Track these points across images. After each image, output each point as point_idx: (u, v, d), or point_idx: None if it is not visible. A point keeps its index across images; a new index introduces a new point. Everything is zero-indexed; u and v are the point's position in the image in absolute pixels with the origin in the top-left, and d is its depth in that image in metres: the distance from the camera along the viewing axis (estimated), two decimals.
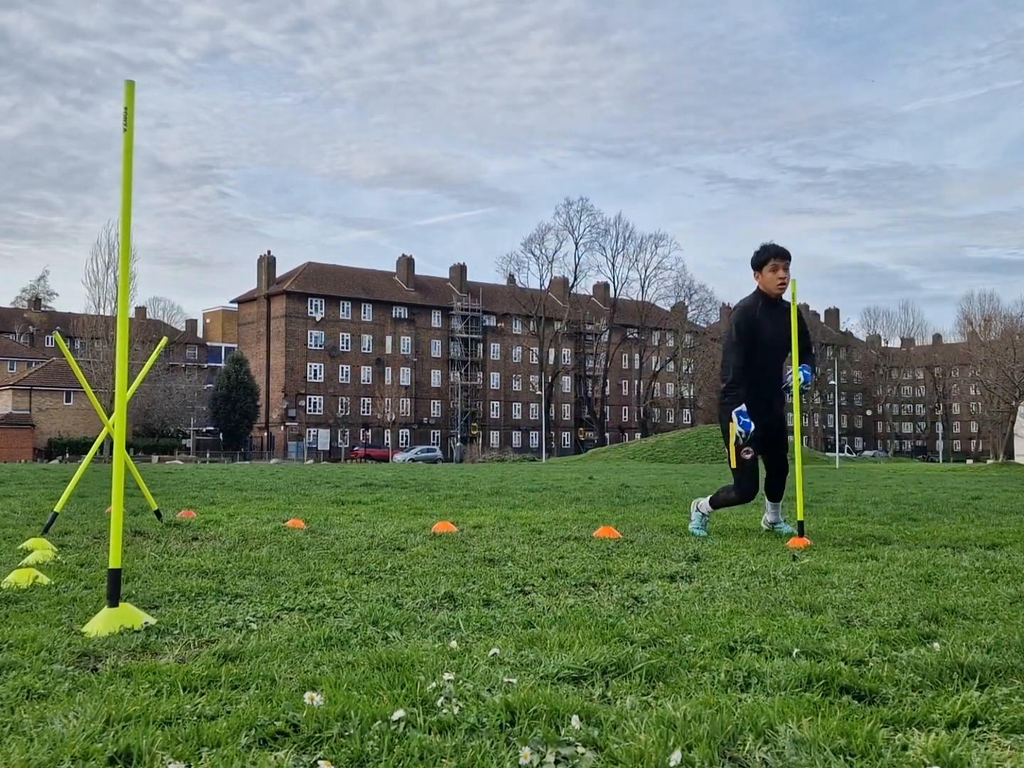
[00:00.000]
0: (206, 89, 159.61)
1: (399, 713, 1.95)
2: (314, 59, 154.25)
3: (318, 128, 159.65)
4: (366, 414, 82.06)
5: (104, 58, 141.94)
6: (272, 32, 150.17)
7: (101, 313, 63.54)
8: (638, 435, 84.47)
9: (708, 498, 6.06)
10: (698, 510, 6.04)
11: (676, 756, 1.72)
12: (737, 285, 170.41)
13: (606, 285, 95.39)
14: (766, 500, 6.17)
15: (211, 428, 73.99)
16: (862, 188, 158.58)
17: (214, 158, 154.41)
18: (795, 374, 5.79)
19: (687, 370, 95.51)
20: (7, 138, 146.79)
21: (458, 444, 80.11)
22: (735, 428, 5.65)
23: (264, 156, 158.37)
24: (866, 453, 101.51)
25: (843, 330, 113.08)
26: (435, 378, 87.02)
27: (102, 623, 2.87)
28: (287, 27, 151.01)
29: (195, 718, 1.97)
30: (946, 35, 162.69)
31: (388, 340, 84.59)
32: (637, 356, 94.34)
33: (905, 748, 1.80)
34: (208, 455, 67.51)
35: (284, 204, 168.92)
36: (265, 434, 78.14)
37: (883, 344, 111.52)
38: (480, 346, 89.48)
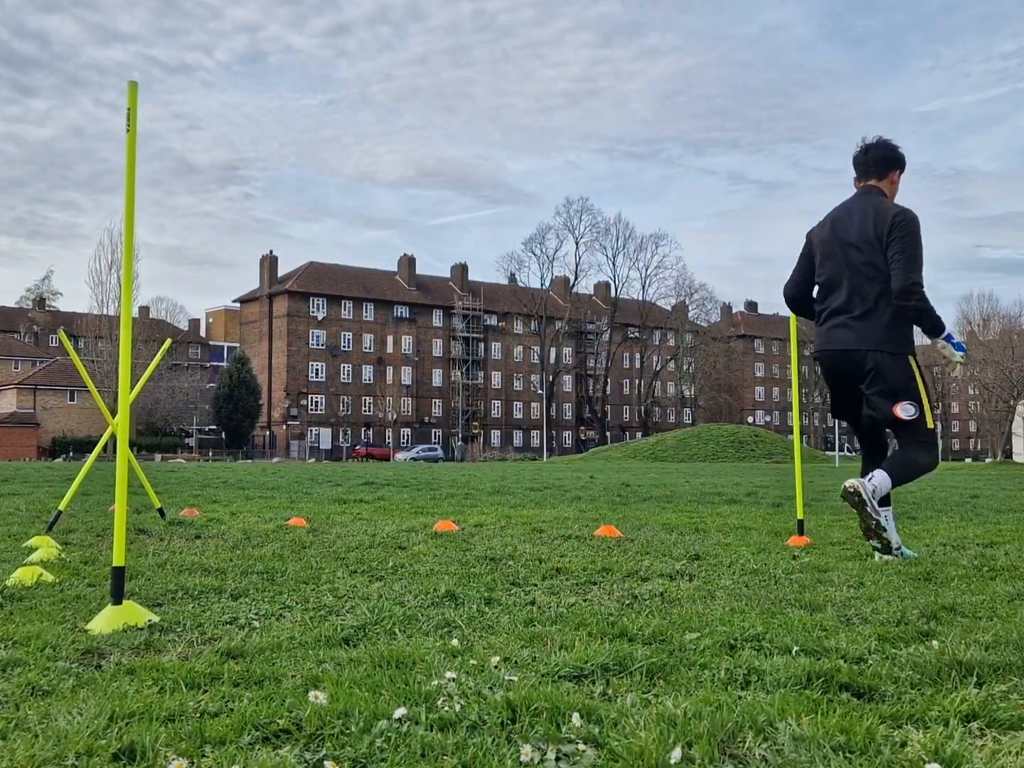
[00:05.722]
0: (239, 91, 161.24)
1: (401, 711, 1.96)
2: (349, 62, 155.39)
3: (348, 130, 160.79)
4: (367, 413, 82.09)
5: (142, 61, 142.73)
6: (309, 35, 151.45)
7: (104, 313, 63.66)
8: (639, 434, 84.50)
9: (884, 477, 4.33)
10: (876, 499, 4.27)
11: (676, 753, 1.73)
12: (750, 284, 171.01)
13: (607, 284, 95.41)
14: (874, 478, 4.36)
15: (213, 427, 74.02)
16: None
17: (242, 159, 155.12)
18: (794, 370, 5.78)
19: (688, 369, 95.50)
20: (41, 140, 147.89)
21: (459, 443, 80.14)
22: (951, 353, 4.50)
23: (294, 158, 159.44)
24: None
25: None
26: (436, 377, 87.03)
27: (106, 620, 2.88)
28: (324, 31, 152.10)
29: (198, 715, 1.98)
30: (973, 38, 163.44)
31: (389, 339, 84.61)
32: (638, 355, 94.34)
33: (904, 745, 1.82)
34: (211, 454, 67.56)
35: (309, 205, 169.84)
36: (267, 433, 78.18)
37: None
38: (481, 345, 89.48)
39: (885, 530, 4.30)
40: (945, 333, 4.50)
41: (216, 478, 16.28)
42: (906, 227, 4.44)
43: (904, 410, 4.43)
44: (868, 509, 4.24)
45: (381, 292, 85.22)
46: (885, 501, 4.45)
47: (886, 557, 4.36)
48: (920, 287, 4.37)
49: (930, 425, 4.48)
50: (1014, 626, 2.82)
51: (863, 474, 4.64)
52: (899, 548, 4.42)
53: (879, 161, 4.73)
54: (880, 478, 4.32)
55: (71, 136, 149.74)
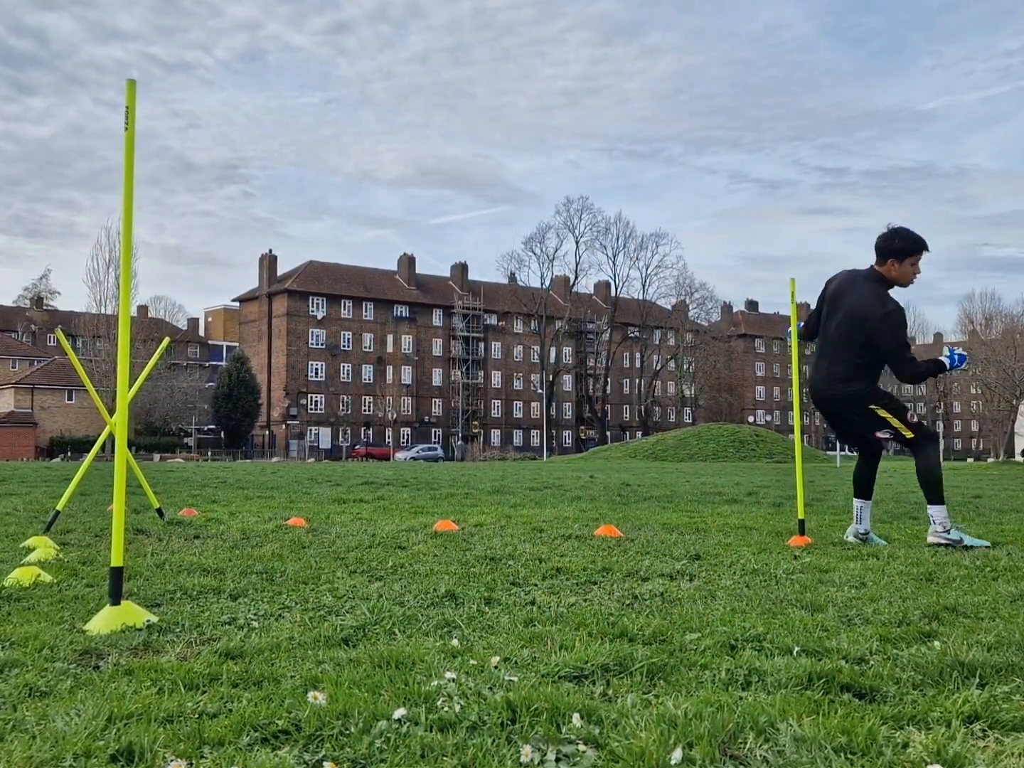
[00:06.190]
0: (239, 90, 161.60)
1: (400, 711, 1.95)
2: (349, 61, 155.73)
3: (348, 129, 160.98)
4: (367, 413, 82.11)
5: (141, 59, 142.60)
6: (309, 34, 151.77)
7: (102, 312, 63.61)
8: (639, 434, 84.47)
9: (934, 506, 5.30)
10: (942, 527, 5.22)
11: (677, 754, 1.72)
12: (751, 283, 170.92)
13: (607, 284, 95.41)
14: (863, 502, 5.70)
15: (212, 426, 74.01)
16: (884, 188, 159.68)
17: (242, 158, 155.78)
18: (795, 369, 5.79)
19: (688, 369, 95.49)
20: (39, 138, 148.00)
21: (459, 443, 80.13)
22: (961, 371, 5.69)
23: (294, 156, 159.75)
24: None
25: None
26: (436, 377, 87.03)
27: (104, 621, 2.87)
28: (324, 29, 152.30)
29: (197, 716, 1.98)
30: (975, 36, 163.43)
31: (389, 339, 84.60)
32: (638, 355, 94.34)
33: (906, 746, 1.81)
34: (210, 453, 67.53)
35: (308, 204, 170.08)
36: (266, 432, 78.18)
37: None
38: (481, 345, 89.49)
39: (960, 542, 5.13)
40: (947, 370, 5.38)
41: (215, 478, 16.27)
42: (892, 325, 5.29)
43: (880, 435, 5.48)
44: (949, 544, 5.13)
45: (381, 291, 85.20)
46: (938, 500, 5.29)
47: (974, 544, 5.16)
48: (912, 371, 5.33)
49: (908, 435, 5.35)
50: (1017, 627, 2.81)
51: (860, 468, 5.77)
52: (960, 539, 5.18)
53: (878, 250, 5.46)
54: (938, 514, 5.25)
55: (70, 134, 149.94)
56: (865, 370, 5.41)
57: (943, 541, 5.15)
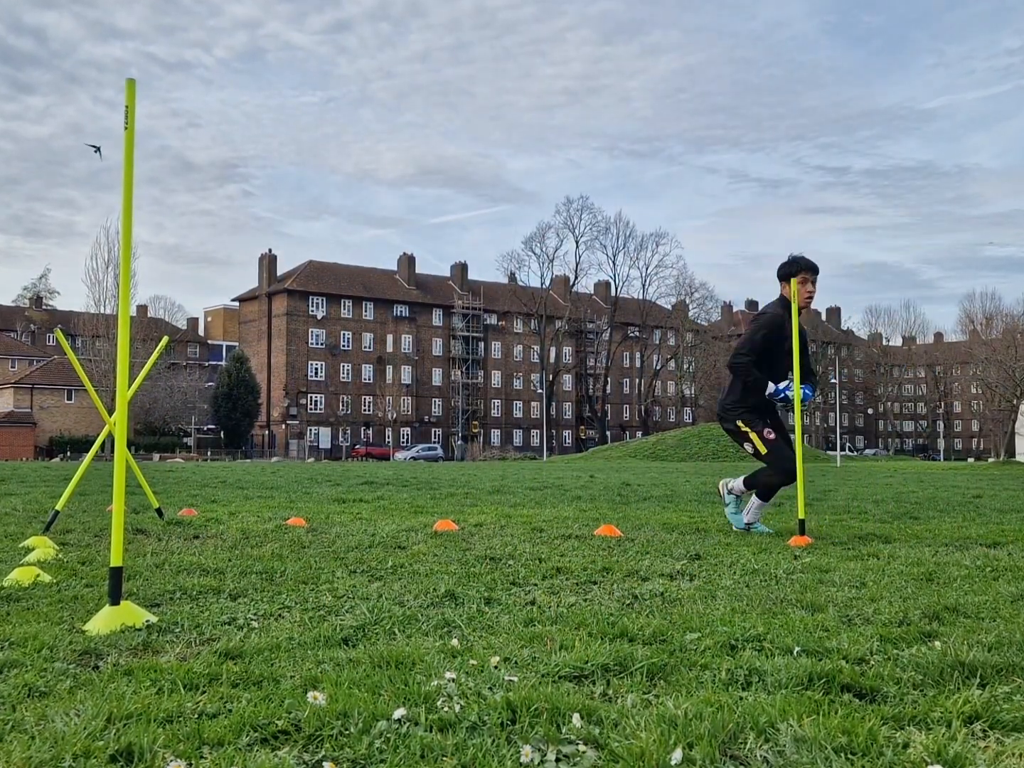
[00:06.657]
0: (239, 89, 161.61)
1: (400, 711, 1.95)
2: (349, 60, 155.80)
3: (347, 128, 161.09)
4: (367, 412, 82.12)
5: (140, 58, 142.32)
6: (309, 32, 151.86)
7: (101, 312, 63.59)
8: (639, 433, 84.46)
9: (752, 491, 6.04)
10: (731, 492, 6.11)
11: (677, 754, 1.72)
12: (751, 283, 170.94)
13: (607, 283, 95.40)
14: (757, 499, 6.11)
15: (212, 426, 74.01)
16: (885, 187, 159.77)
17: (241, 157, 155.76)
18: (796, 380, 5.78)
19: (688, 368, 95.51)
20: (39, 137, 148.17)
21: (459, 442, 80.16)
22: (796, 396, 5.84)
23: (294, 156, 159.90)
24: (867, 452, 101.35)
25: (844, 328, 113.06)
26: (436, 376, 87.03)
27: (103, 621, 2.87)
28: (324, 28, 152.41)
29: (196, 716, 1.97)
30: (978, 34, 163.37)
31: (389, 338, 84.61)
32: (638, 354, 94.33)
33: (906, 746, 1.80)
34: (209, 453, 67.53)
35: (308, 203, 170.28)
36: (266, 432, 78.17)
37: (884, 342, 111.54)
38: (481, 344, 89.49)
39: (727, 506, 6.17)
40: (768, 392, 5.85)
41: (215, 478, 16.27)
42: (753, 326, 5.97)
43: (744, 449, 6.08)
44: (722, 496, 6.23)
45: (381, 291, 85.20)
46: (751, 486, 6.03)
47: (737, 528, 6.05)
48: (736, 359, 5.93)
49: (763, 451, 5.90)
50: (1017, 627, 2.81)
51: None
52: (748, 525, 6.02)
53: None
54: (737, 487, 6.12)
55: (69, 133, 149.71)
56: (741, 387, 5.94)
57: (728, 515, 6.11)
